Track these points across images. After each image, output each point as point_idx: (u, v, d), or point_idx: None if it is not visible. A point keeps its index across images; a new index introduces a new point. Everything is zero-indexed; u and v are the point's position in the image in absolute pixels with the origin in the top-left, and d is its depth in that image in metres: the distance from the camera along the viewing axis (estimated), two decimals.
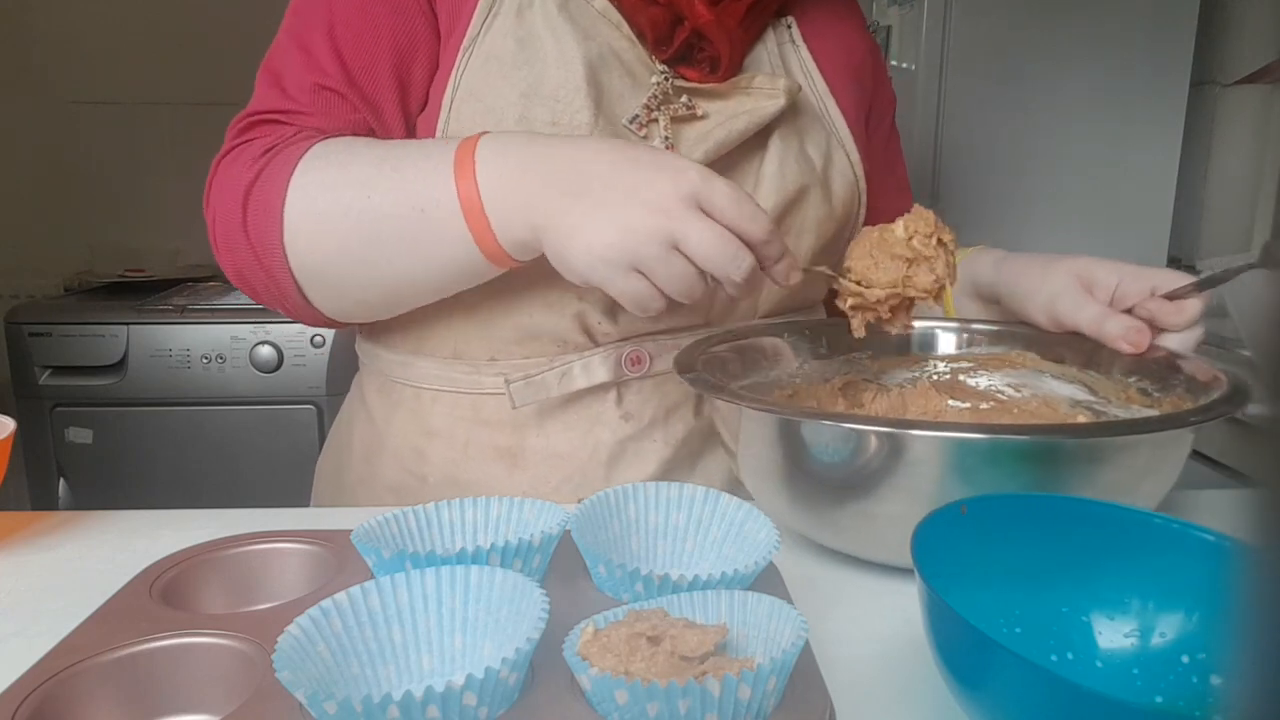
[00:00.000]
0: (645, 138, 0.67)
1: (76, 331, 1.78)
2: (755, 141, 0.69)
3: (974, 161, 1.75)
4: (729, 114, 0.68)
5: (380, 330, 0.73)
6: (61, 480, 1.86)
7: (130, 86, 2.19)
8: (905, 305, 0.64)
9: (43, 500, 1.85)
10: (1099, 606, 0.42)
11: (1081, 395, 0.66)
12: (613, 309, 0.67)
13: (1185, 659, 0.39)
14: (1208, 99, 1.72)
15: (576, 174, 0.56)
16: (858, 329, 0.65)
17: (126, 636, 0.42)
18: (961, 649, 0.35)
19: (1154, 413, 0.60)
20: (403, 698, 0.33)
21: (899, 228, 0.63)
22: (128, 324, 1.79)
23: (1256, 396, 0.50)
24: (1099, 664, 0.41)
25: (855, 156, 0.76)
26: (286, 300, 0.65)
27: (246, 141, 0.65)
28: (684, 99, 0.68)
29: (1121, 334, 0.64)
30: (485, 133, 0.59)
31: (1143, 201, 1.74)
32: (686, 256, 0.54)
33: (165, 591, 0.47)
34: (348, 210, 0.60)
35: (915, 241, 0.62)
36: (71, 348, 1.80)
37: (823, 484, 0.52)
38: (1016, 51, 1.68)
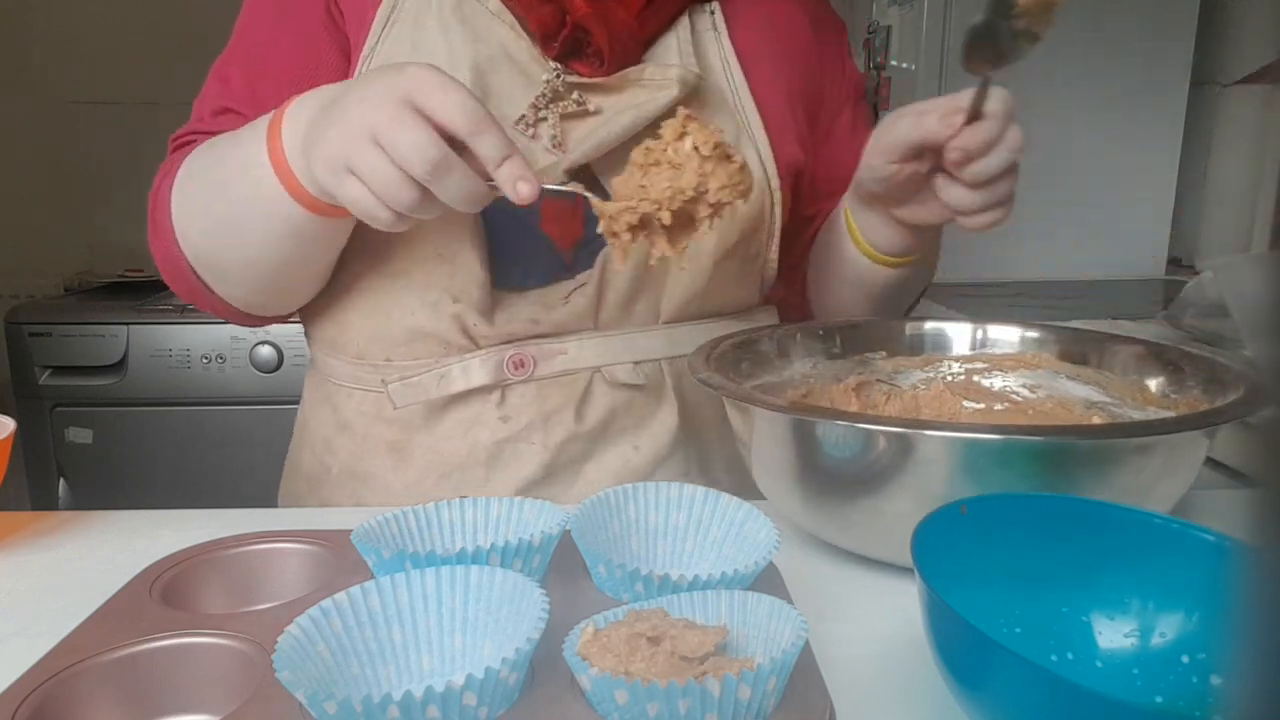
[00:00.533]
0: (533, 138, 0.66)
1: (76, 331, 1.78)
2: (651, 133, 0.66)
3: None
4: (618, 109, 0.67)
5: (309, 324, 0.76)
6: (61, 480, 1.86)
7: (130, 86, 2.19)
8: (685, 223, 0.56)
9: (43, 500, 1.85)
10: (1099, 606, 0.42)
11: (1097, 396, 0.66)
12: (489, 310, 0.67)
13: (1185, 659, 0.39)
14: (1208, 99, 1.72)
15: (342, 99, 0.54)
16: (617, 255, 0.58)
17: (126, 636, 0.42)
18: (961, 649, 0.35)
19: (1170, 414, 0.60)
20: (403, 698, 0.33)
21: (664, 132, 0.56)
22: (128, 324, 1.79)
23: (1273, 399, 0.50)
24: (1099, 664, 0.41)
25: (767, 152, 0.72)
26: (203, 296, 0.69)
27: (167, 162, 0.70)
28: (575, 95, 0.67)
29: (937, 118, 0.61)
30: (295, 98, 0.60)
31: (1143, 201, 1.74)
32: (386, 153, 0.51)
33: (165, 591, 0.47)
34: (204, 190, 0.64)
35: (670, 151, 0.56)
36: (71, 348, 1.80)
37: (836, 484, 0.52)
38: None
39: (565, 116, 0.67)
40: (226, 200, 0.63)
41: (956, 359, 0.73)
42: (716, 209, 0.56)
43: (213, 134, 0.68)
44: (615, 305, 0.69)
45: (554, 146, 0.66)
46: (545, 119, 0.66)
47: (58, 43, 2.19)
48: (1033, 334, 0.72)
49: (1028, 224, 1.76)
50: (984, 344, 0.73)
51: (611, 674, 0.35)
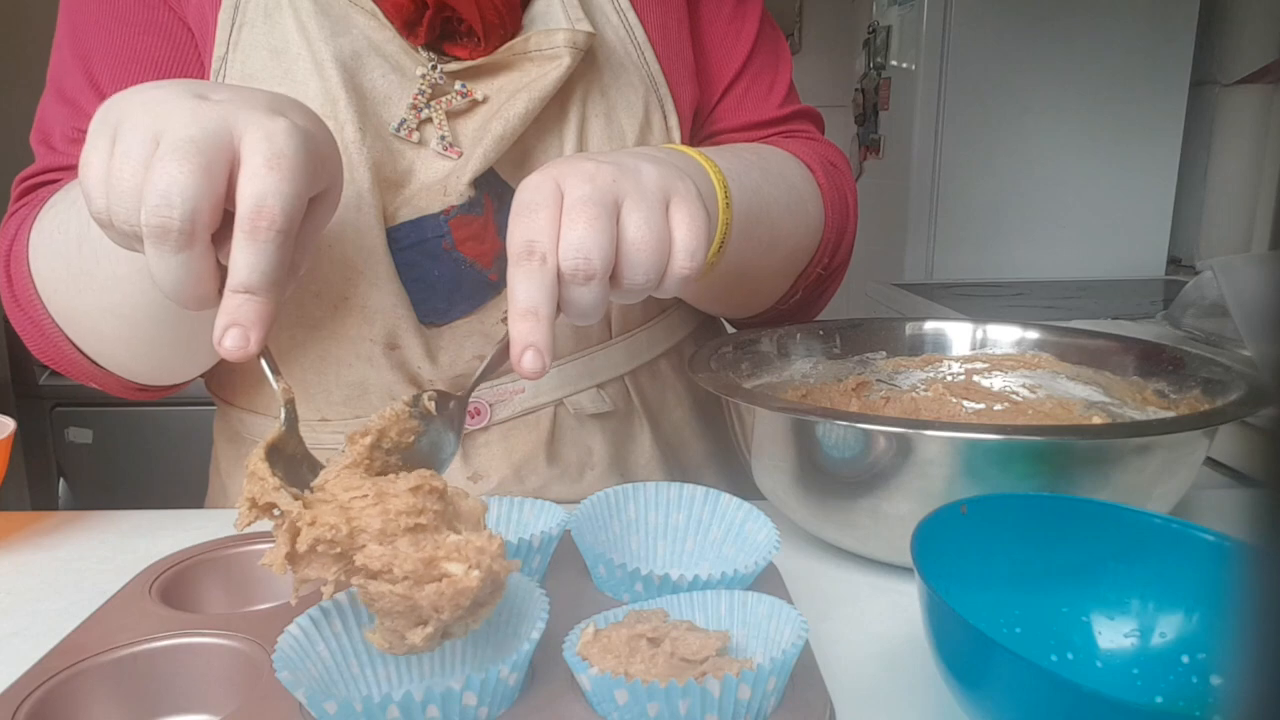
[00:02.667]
0: (419, 144, 0.58)
1: None
2: (549, 120, 0.59)
3: (974, 160, 1.75)
4: (509, 91, 0.58)
5: (216, 382, 0.68)
6: (61, 480, 1.86)
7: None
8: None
9: (43, 500, 1.86)
10: (1099, 606, 0.42)
11: (1097, 397, 0.66)
12: (430, 350, 0.60)
13: (1185, 659, 0.39)
14: (1208, 99, 1.72)
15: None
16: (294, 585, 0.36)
17: (126, 636, 0.42)
18: (961, 649, 0.35)
19: (1170, 414, 0.60)
20: (403, 698, 0.33)
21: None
22: None
23: (1272, 399, 0.50)
24: (1099, 664, 0.41)
25: (671, 110, 0.64)
26: (78, 365, 0.60)
27: (18, 209, 0.61)
28: (458, 86, 0.57)
29: None
30: None
31: (1143, 202, 1.75)
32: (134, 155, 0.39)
33: (165, 591, 0.47)
34: (64, 237, 0.54)
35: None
36: None
37: (836, 484, 0.52)
38: (1016, 51, 1.68)
39: (452, 113, 0.58)
40: (81, 246, 0.52)
41: (956, 359, 0.73)
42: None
43: (73, 168, 0.57)
44: (564, 326, 0.61)
45: (446, 150, 0.58)
46: (429, 119, 0.58)
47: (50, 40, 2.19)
48: (1033, 334, 0.72)
49: (1028, 224, 1.76)
50: (984, 344, 0.73)
51: (611, 674, 0.35)
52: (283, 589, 0.51)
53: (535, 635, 0.37)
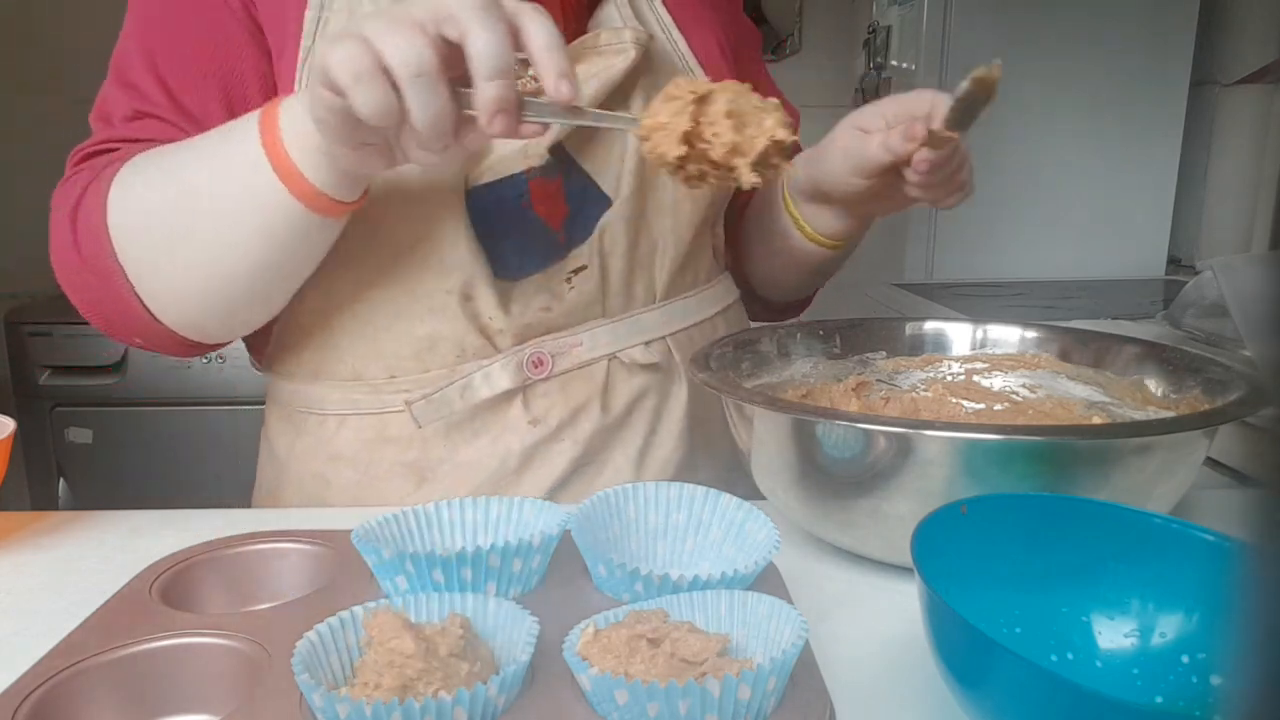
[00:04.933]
0: None
1: (76, 331, 1.78)
2: (615, 103, 0.67)
3: (973, 160, 1.75)
4: (580, 79, 0.63)
5: (278, 358, 0.71)
6: (61, 480, 1.86)
7: None
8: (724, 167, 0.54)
9: (43, 500, 1.85)
10: (1099, 606, 0.42)
11: (1097, 397, 0.66)
12: (504, 301, 0.65)
13: (1185, 659, 0.39)
14: (1208, 99, 1.72)
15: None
16: (676, 178, 0.54)
17: (126, 636, 0.42)
18: (961, 649, 0.35)
19: (1170, 414, 0.60)
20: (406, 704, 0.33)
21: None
22: None
23: (1272, 399, 0.50)
24: (1099, 664, 0.41)
25: None
26: (135, 320, 0.63)
27: (77, 174, 0.64)
28: (530, 72, 0.63)
29: (902, 137, 0.63)
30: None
31: (1143, 202, 1.74)
32: (370, 45, 0.47)
33: (165, 591, 0.47)
34: (163, 194, 0.59)
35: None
36: (71, 348, 1.80)
37: (836, 484, 0.52)
38: (1016, 51, 1.68)
39: (524, 94, 0.64)
40: (194, 204, 0.58)
41: (956, 359, 0.73)
42: (766, 155, 0.52)
43: (132, 141, 0.63)
44: (618, 288, 0.69)
45: None
46: None
47: (58, 42, 2.19)
48: (1033, 334, 0.72)
49: (1028, 224, 1.76)
50: (984, 344, 0.73)
51: (611, 674, 0.35)
52: (283, 589, 0.51)
53: (524, 657, 0.37)
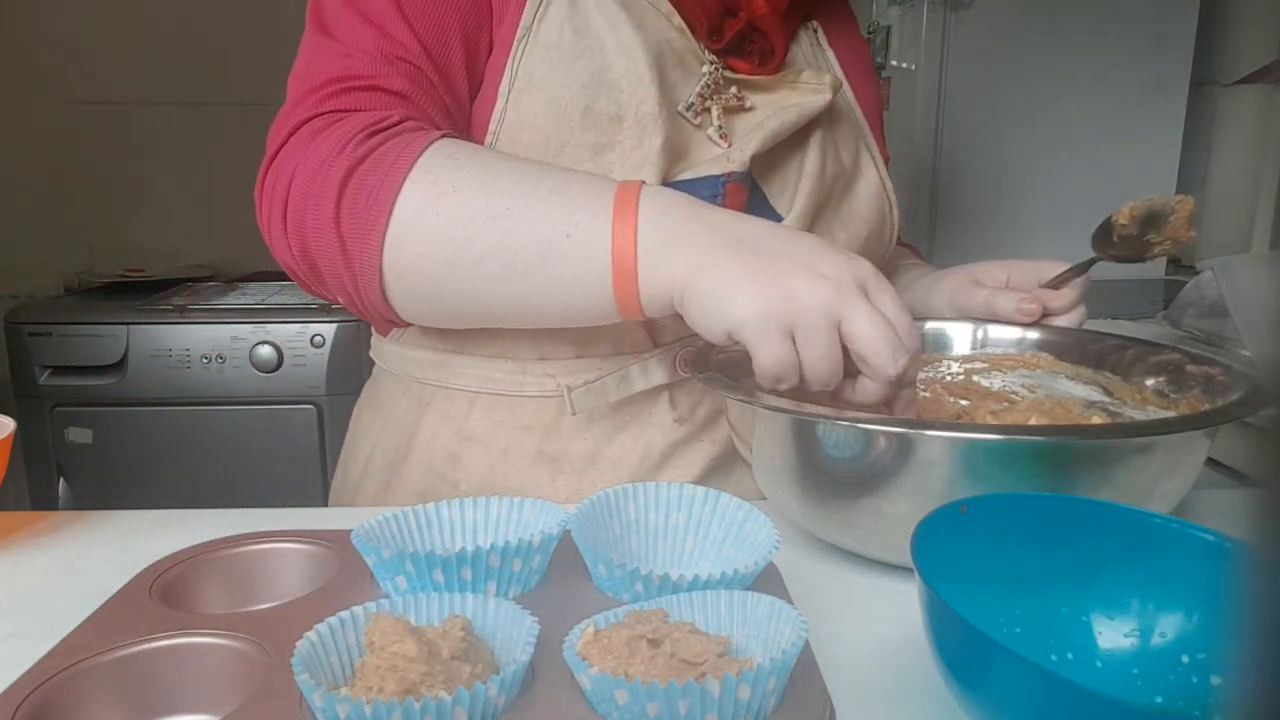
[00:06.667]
0: (699, 126, 0.67)
1: (76, 331, 1.78)
2: (796, 138, 0.70)
3: (973, 161, 1.75)
4: (777, 106, 0.68)
5: (419, 329, 0.69)
6: (61, 480, 1.86)
7: (129, 86, 2.19)
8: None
9: (43, 500, 1.85)
10: (1099, 606, 0.42)
11: (1097, 397, 0.66)
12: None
13: (1185, 659, 0.39)
14: (1208, 99, 1.72)
15: (742, 232, 0.54)
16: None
17: (126, 636, 0.42)
18: (961, 649, 0.35)
19: (1170, 414, 0.60)
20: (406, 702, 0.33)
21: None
22: (128, 324, 1.79)
23: (1272, 399, 0.50)
24: (1099, 664, 0.41)
25: (879, 159, 0.77)
26: (359, 294, 0.59)
27: (336, 113, 0.59)
28: (734, 90, 0.68)
29: (1015, 307, 0.71)
30: (643, 183, 0.57)
31: None
32: (843, 337, 0.52)
33: (165, 591, 0.47)
34: (475, 217, 0.55)
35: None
36: (71, 348, 1.80)
37: (836, 484, 0.52)
38: (1016, 51, 1.68)
39: (726, 110, 0.68)
40: (505, 245, 0.55)
41: (956, 359, 0.73)
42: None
43: (389, 91, 0.59)
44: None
45: (720, 137, 0.67)
46: (710, 109, 0.67)
47: (58, 43, 2.19)
48: (1033, 334, 0.72)
49: (1028, 224, 1.76)
50: (984, 344, 0.73)
51: (611, 674, 0.35)
52: (283, 589, 0.51)
53: (525, 657, 0.37)
